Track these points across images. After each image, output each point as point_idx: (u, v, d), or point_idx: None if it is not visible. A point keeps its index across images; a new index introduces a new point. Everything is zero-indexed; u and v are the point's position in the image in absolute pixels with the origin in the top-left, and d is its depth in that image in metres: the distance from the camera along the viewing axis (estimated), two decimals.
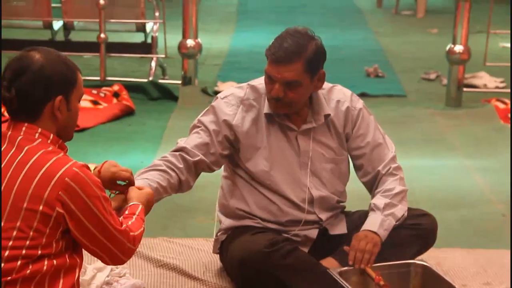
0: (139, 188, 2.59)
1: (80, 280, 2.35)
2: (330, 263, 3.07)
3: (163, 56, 7.11)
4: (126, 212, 2.45)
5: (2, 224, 2.15)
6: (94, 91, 6.24)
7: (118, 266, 3.18)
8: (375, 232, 3.03)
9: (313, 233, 3.17)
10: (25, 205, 2.15)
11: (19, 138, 2.22)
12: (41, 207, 2.14)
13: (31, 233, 2.15)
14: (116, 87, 6.41)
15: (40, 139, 2.22)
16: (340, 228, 3.22)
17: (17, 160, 2.18)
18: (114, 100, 6.24)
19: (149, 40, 7.30)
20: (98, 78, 6.81)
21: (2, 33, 7.77)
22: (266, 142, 3.11)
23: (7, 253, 2.14)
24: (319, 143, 3.16)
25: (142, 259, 3.44)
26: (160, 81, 6.94)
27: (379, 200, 3.11)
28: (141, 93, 6.60)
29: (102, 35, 6.85)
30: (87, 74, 6.72)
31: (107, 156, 5.02)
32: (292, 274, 2.93)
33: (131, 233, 2.32)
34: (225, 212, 3.23)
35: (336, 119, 3.16)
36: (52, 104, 2.23)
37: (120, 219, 2.35)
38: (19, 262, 2.14)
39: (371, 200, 3.16)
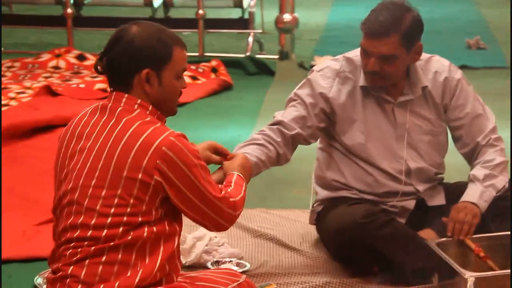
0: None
1: (180, 248, 2.40)
2: (428, 235, 3.05)
3: (260, 31, 7.14)
4: (224, 183, 2.51)
5: (104, 192, 2.23)
6: (193, 67, 6.33)
7: (217, 235, 3.25)
8: (474, 203, 2.98)
9: (411, 204, 3.14)
10: (125, 173, 2.21)
11: (119, 109, 2.28)
12: (140, 176, 2.20)
13: (132, 201, 2.21)
14: (214, 63, 6.47)
15: (139, 110, 2.28)
16: (439, 200, 3.18)
17: (116, 131, 2.25)
18: (212, 75, 6.31)
19: (246, 16, 7.33)
20: (196, 54, 6.90)
21: (105, 11, 7.99)
22: (362, 115, 3.10)
23: (109, 220, 2.21)
24: (417, 115, 3.12)
25: (240, 229, 3.50)
26: (257, 56, 6.98)
27: (479, 171, 3.06)
28: (239, 68, 6.65)
29: (201, 12, 6.93)
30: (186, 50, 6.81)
31: (206, 130, 5.11)
32: (389, 244, 2.92)
33: (231, 199, 2.36)
34: (321, 183, 3.24)
35: (434, 90, 3.12)
36: (139, 76, 2.28)
37: (220, 186, 2.40)
38: (121, 229, 2.20)
39: (470, 171, 3.11)
